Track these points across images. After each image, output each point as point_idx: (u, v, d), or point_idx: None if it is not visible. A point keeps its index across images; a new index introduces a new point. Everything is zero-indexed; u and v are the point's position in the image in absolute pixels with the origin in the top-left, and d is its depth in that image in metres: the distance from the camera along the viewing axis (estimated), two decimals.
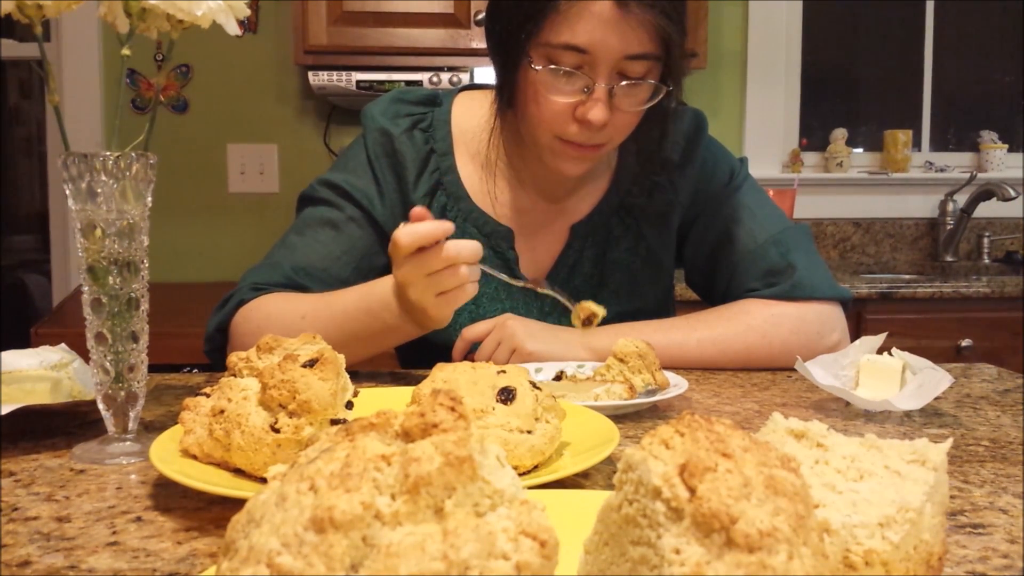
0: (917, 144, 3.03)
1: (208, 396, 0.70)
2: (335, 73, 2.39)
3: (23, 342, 1.33)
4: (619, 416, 0.89)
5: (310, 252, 1.17)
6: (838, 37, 3.08)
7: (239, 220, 2.77)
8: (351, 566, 0.31)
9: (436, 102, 1.25)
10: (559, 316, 1.20)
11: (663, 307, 1.30)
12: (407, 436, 0.35)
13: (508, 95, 1.14)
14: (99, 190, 0.73)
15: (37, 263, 4.07)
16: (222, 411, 0.65)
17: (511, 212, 1.23)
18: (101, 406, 0.76)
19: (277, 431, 0.63)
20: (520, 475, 0.55)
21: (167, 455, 0.67)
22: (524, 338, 1.11)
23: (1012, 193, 2.63)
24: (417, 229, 0.94)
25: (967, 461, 0.75)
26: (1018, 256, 2.87)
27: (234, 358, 0.71)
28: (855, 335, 1.10)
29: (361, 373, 1.11)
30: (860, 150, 3.05)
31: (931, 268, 2.85)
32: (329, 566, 0.30)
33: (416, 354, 1.26)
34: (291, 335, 0.73)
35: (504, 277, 1.06)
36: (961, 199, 2.85)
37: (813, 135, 2.99)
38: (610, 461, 0.71)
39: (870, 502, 0.44)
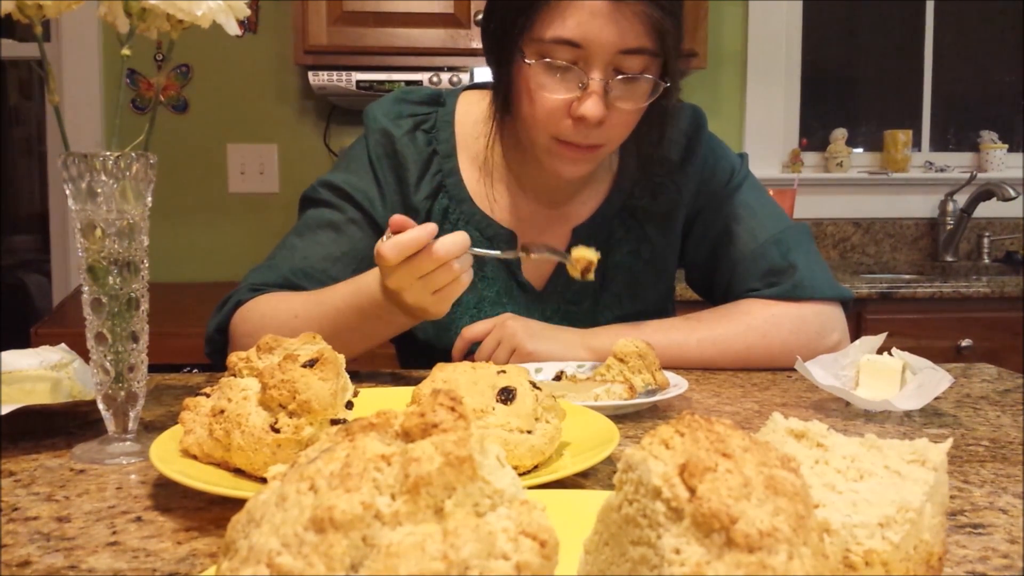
0: (917, 144, 3.03)
1: (208, 396, 0.70)
2: (335, 73, 2.39)
3: (23, 342, 1.33)
4: (619, 416, 0.89)
5: (310, 253, 1.16)
6: (838, 37, 3.08)
7: (239, 220, 2.77)
8: (351, 566, 0.31)
9: (440, 102, 1.24)
10: (561, 320, 1.20)
11: (663, 308, 1.29)
12: (407, 436, 0.35)
13: (504, 96, 1.13)
14: (99, 190, 0.73)
15: (37, 263, 4.07)
16: (222, 411, 0.65)
17: (512, 215, 1.22)
18: (101, 406, 0.76)
19: (277, 431, 0.63)
20: (520, 475, 0.55)
21: (167, 455, 0.67)
22: (524, 338, 1.11)
23: (1012, 193, 2.63)
24: (401, 241, 0.92)
25: (967, 461, 0.75)
26: (1018, 256, 2.87)
27: (234, 358, 0.71)
28: (855, 335, 1.10)
29: (361, 373, 1.11)
30: (860, 150, 3.05)
31: (931, 268, 2.85)
32: (329, 566, 0.30)
33: (416, 355, 1.25)
34: (286, 335, 0.73)
35: (495, 254, 1.06)
36: (961, 199, 2.85)
37: (813, 135, 2.99)
38: (610, 461, 0.71)
39: (870, 502, 0.44)
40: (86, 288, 0.75)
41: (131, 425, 0.76)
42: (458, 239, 0.95)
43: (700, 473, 0.34)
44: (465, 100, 1.25)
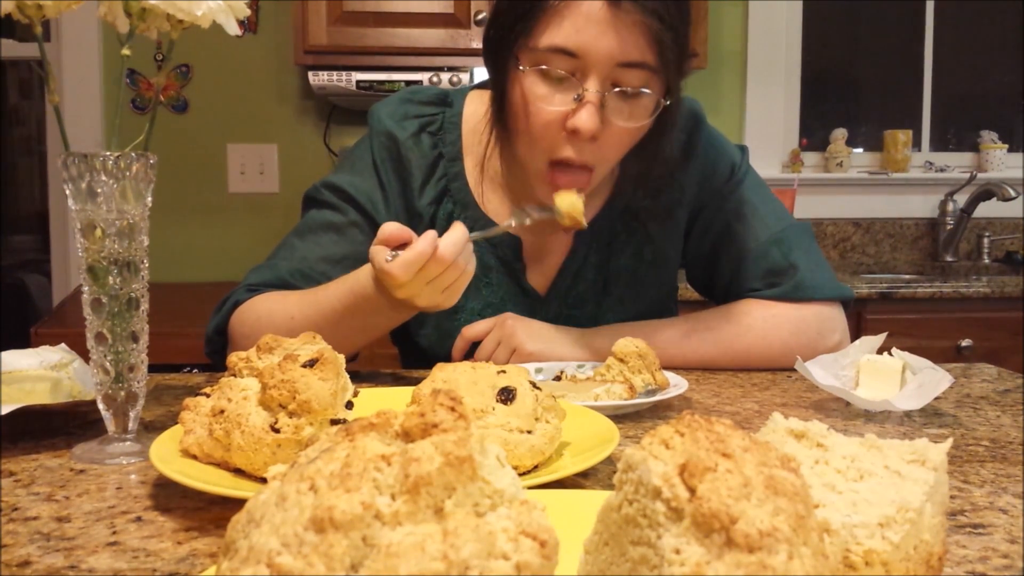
0: (917, 144, 3.03)
1: (208, 396, 0.70)
2: (335, 73, 2.39)
3: (23, 342, 1.34)
4: (619, 416, 0.89)
5: (309, 255, 1.15)
6: (838, 37, 3.08)
7: (239, 220, 2.77)
8: (351, 566, 0.31)
9: (447, 102, 1.21)
10: (564, 323, 1.19)
11: (666, 308, 1.28)
12: (407, 436, 0.35)
13: (500, 106, 1.09)
14: (99, 190, 0.73)
15: (37, 263, 4.07)
16: (222, 411, 0.65)
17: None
18: (101, 406, 0.76)
19: (277, 431, 0.63)
20: (520, 475, 0.55)
21: (167, 455, 0.67)
22: (524, 338, 1.10)
23: (1012, 193, 2.63)
24: (409, 260, 0.92)
25: (967, 461, 0.75)
26: (1018, 256, 2.87)
27: (234, 358, 0.71)
28: (855, 335, 1.10)
29: (361, 373, 1.11)
30: (860, 150, 3.05)
31: (931, 268, 2.85)
32: (329, 566, 0.30)
33: (419, 359, 1.25)
34: (284, 335, 0.73)
35: (490, 232, 1.04)
36: (961, 199, 2.85)
37: (813, 135, 2.99)
38: (610, 461, 0.71)
39: (870, 502, 0.44)
40: (86, 288, 0.75)
41: (131, 425, 0.76)
42: (459, 236, 0.94)
43: (700, 473, 0.34)
44: (472, 100, 1.22)
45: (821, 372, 0.94)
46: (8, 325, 3.74)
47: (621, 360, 0.96)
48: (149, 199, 0.77)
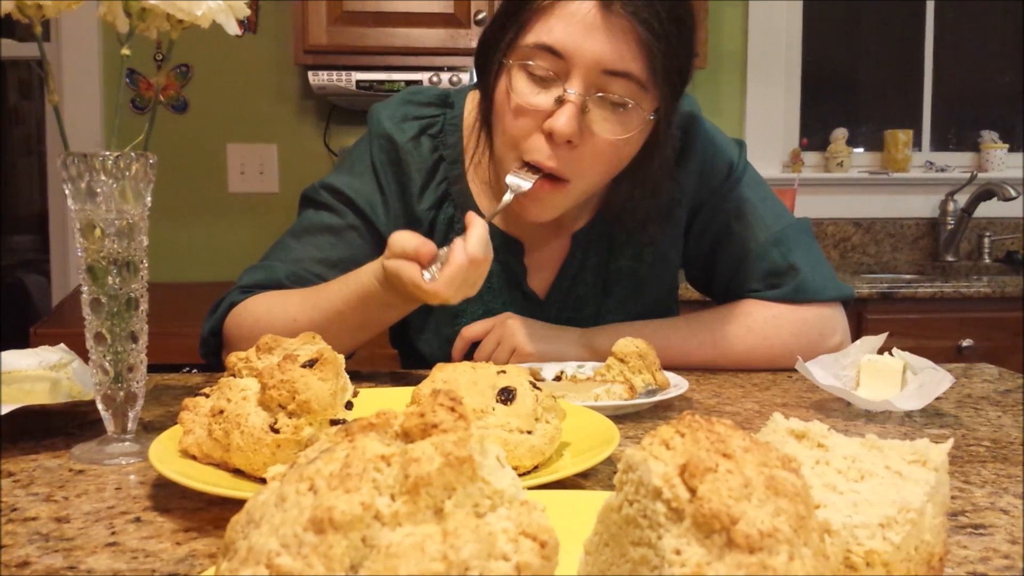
0: (917, 144, 3.03)
1: (207, 396, 0.70)
2: (335, 73, 2.39)
3: (22, 342, 1.33)
4: (619, 416, 0.89)
5: (305, 257, 1.14)
6: (838, 37, 3.08)
7: (239, 220, 2.77)
8: (351, 567, 0.31)
9: (448, 103, 1.19)
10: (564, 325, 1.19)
11: (667, 308, 1.28)
12: (407, 436, 0.35)
13: (485, 105, 1.08)
14: (99, 190, 0.73)
15: (37, 263, 4.07)
16: (221, 411, 0.65)
17: (515, 223, 1.19)
18: (100, 406, 0.76)
19: (277, 431, 0.63)
20: (520, 475, 0.55)
21: (166, 455, 0.67)
22: (524, 338, 1.10)
23: (1013, 193, 2.63)
24: (453, 277, 0.92)
25: (968, 461, 0.75)
26: (1018, 256, 2.87)
27: (233, 358, 0.71)
28: (856, 335, 1.10)
29: (361, 373, 1.11)
30: (860, 150, 3.05)
31: (932, 268, 2.85)
32: (329, 567, 0.30)
33: (419, 363, 1.24)
34: (285, 336, 0.73)
35: (499, 208, 1.03)
36: (962, 199, 2.85)
37: (813, 135, 2.99)
38: (610, 461, 0.71)
39: (871, 503, 0.44)
40: (85, 288, 0.75)
41: (130, 425, 0.76)
42: (483, 233, 0.95)
43: (701, 473, 0.34)
44: (472, 100, 1.20)
45: (822, 372, 0.94)
46: (7, 325, 3.74)
47: (621, 360, 0.96)
48: (149, 199, 0.77)
